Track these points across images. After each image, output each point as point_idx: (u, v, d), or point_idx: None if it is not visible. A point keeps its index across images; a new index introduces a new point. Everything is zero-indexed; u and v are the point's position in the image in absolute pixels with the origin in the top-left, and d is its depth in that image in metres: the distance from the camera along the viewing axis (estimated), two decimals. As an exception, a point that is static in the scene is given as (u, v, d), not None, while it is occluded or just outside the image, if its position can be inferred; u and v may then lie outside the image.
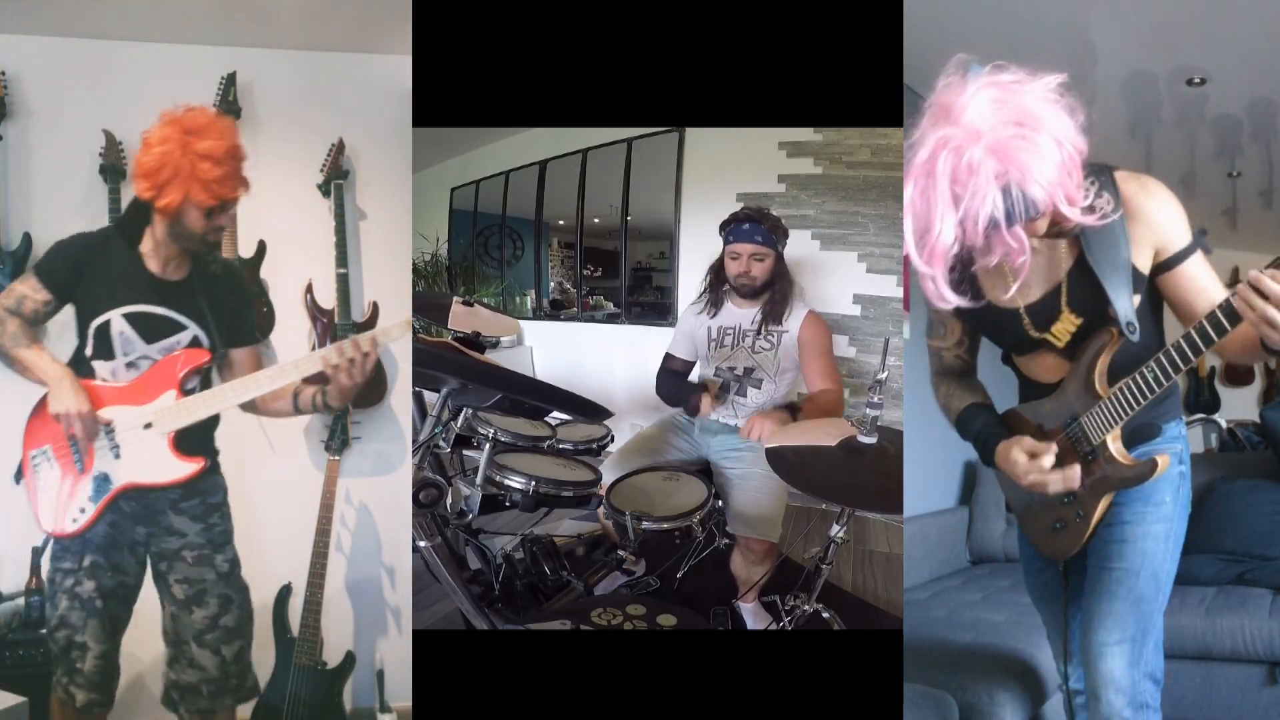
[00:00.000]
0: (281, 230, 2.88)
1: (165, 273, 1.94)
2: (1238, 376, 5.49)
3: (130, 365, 1.92)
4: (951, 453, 3.47)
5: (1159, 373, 1.35)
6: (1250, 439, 4.04)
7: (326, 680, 2.68)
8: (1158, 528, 1.56)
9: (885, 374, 1.96)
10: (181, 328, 1.94)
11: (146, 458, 1.92)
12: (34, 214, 2.73)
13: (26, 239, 2.68)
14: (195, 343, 1.95)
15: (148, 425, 1.90)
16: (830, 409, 2.54)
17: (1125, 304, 1.39)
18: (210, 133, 1.84)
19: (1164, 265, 1.41)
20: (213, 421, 2.02)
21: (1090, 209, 1.35)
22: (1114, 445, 1.47)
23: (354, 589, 3.00)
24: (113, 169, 2.71)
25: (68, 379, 1.87)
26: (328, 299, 2.91)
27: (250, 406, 2.02)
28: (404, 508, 1.78)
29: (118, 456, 1.91)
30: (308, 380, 1.95)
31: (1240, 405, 5.39)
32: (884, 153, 4.22)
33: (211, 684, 2.00)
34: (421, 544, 1.87)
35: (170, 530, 1.98)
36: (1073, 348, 1.49)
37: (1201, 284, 1.40)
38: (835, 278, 4.36)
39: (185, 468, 1.93)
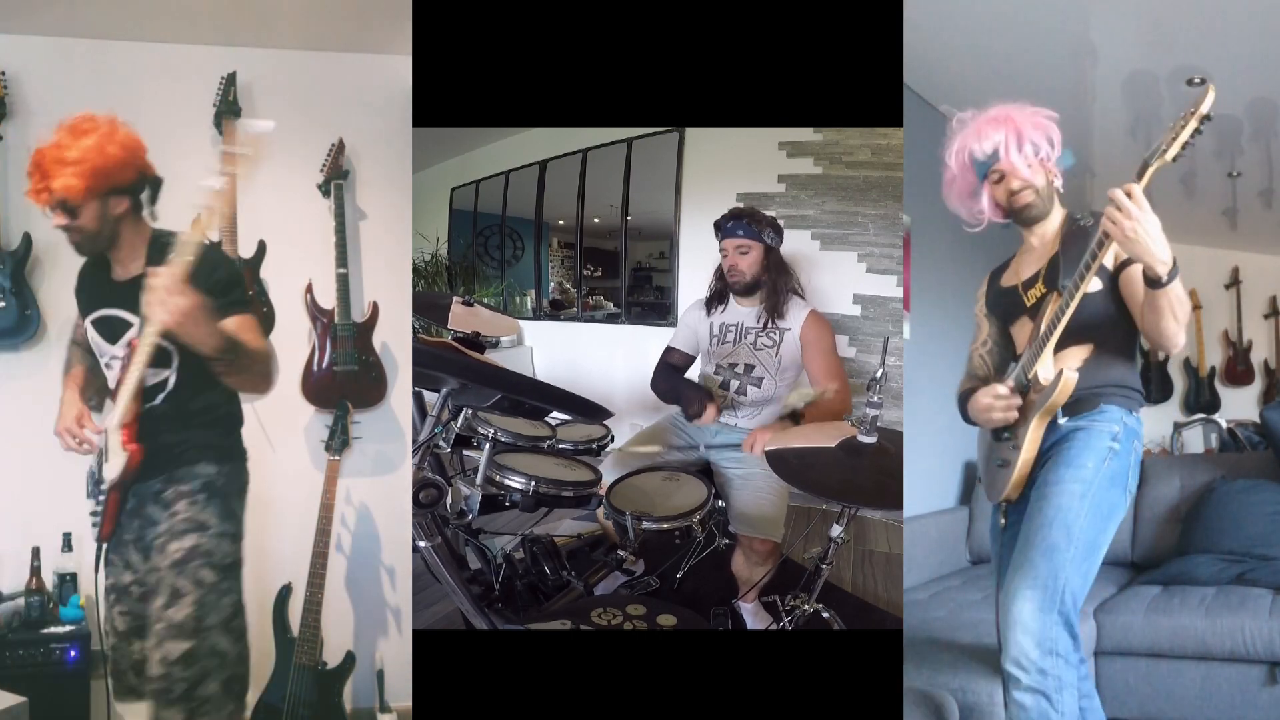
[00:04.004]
0: (281, 230, 2.89)
1: (123, 273, 1.99)
2: (1238, 376, 5.50)
3: (108, 366, 2.01)
4: (951, 453, 3.47)
5: (1066, 299, 1.66)
6: (1250, 439, 4.04)
7: (326, 680, 2.68)
8: (1073, 486, 1.72)
9: (884, 373, 1.96)
10: (129, 324, 1.97)
11: (121, 455, 1.95)
12: (34, 214, 2.72)
13: (26, 239, 2.69)
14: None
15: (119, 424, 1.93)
16: (836, 410, 2.55)
17: (1071, 277, 1.71)
18: (61, 139, 1.87)
19: (1120, 266, 1.73)
20: (190, 407, 1.97)
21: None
22: (1041, 372, 1.73)
23: (354, 589, 3.01)
24: (113, 169, 2.71)
25: (64, 402, 2.01)
26: (328, 299, 2.91)
27: (220, 368, 1.89)
28: (404, 508, 1.78)
29: (106, 460, 1.95)
30: None
31: (1240, 405, 5.38)
32: (884, 153, 4.22)
33: (155, 684, 1.87)
34: (421, 544, 1.87)
35: (148, 520, 1.99)
36: (1036, 310, 1.82)
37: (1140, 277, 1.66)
38: (835, 278, 4.36)
39: (124, 457, 1.92)
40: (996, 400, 1.80)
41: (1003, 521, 1.89)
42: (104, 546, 1.99)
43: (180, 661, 1.85)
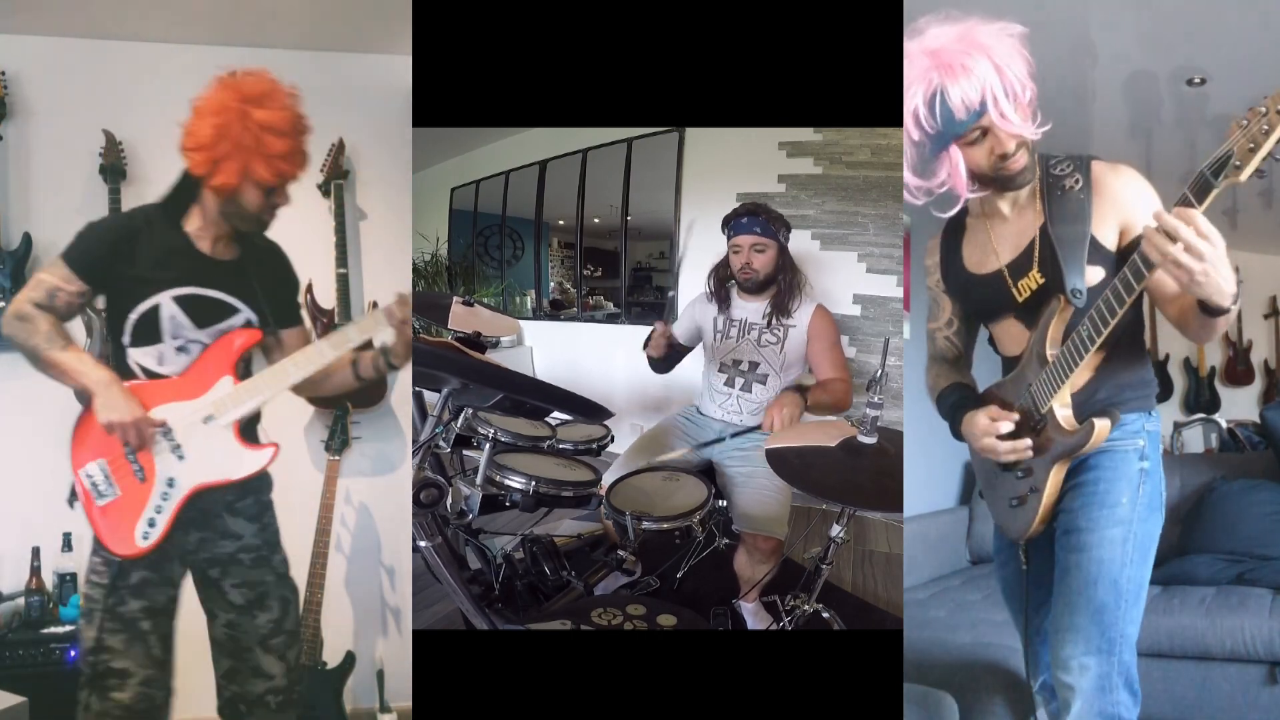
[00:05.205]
0: (281, 230, 2.87)
1: (215, 252, 1.79)
2: (1238, 376, 5.50)
3: (180, 350, 1.74)
4: (951, 453, 3.47)
5: (1091, 329, 1.39)
6: (1250, 439, 4.04)
7: (326, 680, 2.68)
8: (1113, 532, 1.51)
9: (884, 373, 1.96)
10: (234, 310, 1.79)
11: (212, 454, 1.73)
12: (34, 214, 2.73)
13: (26, 239, 2.68)
14: (247, 325, 1.81)
15: (208, 418, 1.73)
16: (839, 397, 2.55)
17: (1076, 273, 1.45)
18: (272, 101, 1.66)
19: (1132, 244, 1.44)
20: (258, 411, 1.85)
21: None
22: (1059, 411, 1.50)
23: (354, 589, 3.01)
24: (113, 169, 2.71)
25: (115, 385, 1.66)
26: (328, 299, 2.91)
27: (303, 388, 1.86)
28: (404, 508, 1.78)
29: (181, 458, 1.72)
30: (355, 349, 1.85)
31: (1240, 405, 5.38)
32: (884, 153, 4.22)
33: (279, 694, 1.87)
34: (421, 544, 1.87)
35: (226, 533, 1.83)
36: (1032, 310, 1.55)
37: None
38: (835, 278, 4.36)
39: (257, 457, 1.78)
40: (1001, 443, 1.55)
41: (1024, 564, 1.70)
42: (120, 562, 1.70)
43: (294, 667, 1.91)
